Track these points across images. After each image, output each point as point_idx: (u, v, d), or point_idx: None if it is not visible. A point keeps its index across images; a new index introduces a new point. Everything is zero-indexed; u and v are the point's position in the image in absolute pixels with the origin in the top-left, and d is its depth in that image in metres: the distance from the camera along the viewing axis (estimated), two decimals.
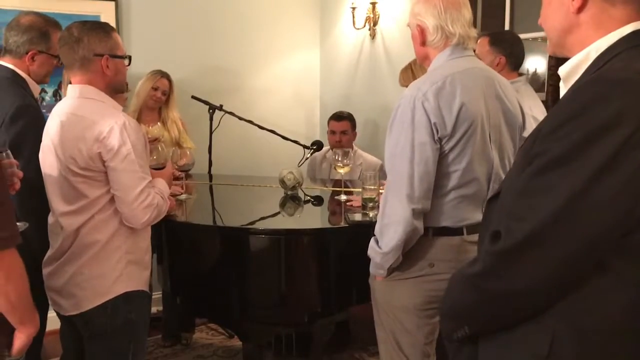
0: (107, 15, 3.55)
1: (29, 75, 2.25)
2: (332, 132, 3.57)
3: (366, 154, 3.52)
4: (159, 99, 3.35)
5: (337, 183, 3.23)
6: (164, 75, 3.36)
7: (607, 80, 0.95)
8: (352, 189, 2.89)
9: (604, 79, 0.96)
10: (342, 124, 3.54)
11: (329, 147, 3.62)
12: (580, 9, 1.04)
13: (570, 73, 1.08)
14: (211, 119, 3.46)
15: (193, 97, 3.45)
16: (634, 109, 0.91)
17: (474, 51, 1.91)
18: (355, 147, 3.52)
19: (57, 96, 3.42)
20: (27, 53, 2.21)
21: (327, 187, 3.22)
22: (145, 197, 1.81)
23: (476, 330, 1.11)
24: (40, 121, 2.18)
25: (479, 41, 2.61)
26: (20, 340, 1.37)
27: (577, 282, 0.98)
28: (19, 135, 2.10)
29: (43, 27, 2.23)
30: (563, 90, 1.11)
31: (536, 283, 0.98)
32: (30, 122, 2.13)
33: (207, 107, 3.45)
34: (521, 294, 1.00)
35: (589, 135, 0.91)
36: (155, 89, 3.33)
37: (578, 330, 0.99)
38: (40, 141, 1.95)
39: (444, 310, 1.19)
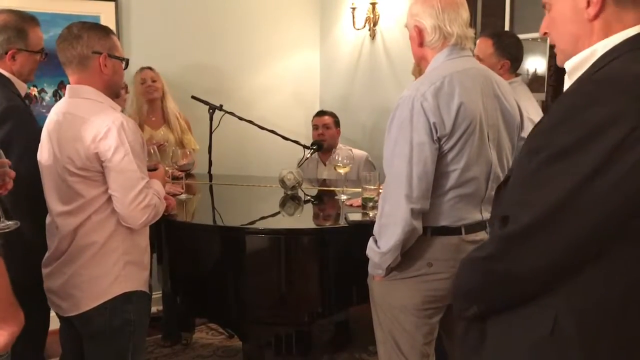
0: (107, 16, 3.55)
1: (12, 74, 2.20)
2: (315, 127, 3.66)
3: (353, 149, 3.53)
4: (150, 88, 3.34)
5: (324, 182, 3.25)
6: (144, 67, 3.37)
7: (605, 81, 1.01)
8: (352, 189, 2.89)
9: (603, 80, 1.01)
10: (323, 118, 3.62)
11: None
12: (596, 16, 1.07)
13: (575, 68, 1.12)
14: (211, 119, 3.46)
15: (193, 97, 3.46)
16: (628, 110, 0.95)
17: (472, 51, 1.91)
18: (340, 145, 3.53)
19: (57, 96, 3.42)
20: (6, 53, 2.16)
21: (323, 187, 3.22)
22: (144, 198, 1.81)
23: (484, 310, 1.17)
24: (29, 121, 2.16)
25: (480, 41, 2.60)
26: (3, 337, 1.36)
27: (579, 266, 1.02)
28: (7, 137, 2.06)
29: (19, 24, 2.18)
30: (567, 83, 1.14)
31: (540, 266, 1.04)
32: (17, 123, 2.09)
33: (207, 107, 3.45)
34: (526, 276, 1.06)
35: (590, 131, 0.96)
36: (143, 82, 3.34)
37: (580, 311, 1.04)
38: (31, 140, 1.95)
39: (455, 290, 1.26)
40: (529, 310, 1.09)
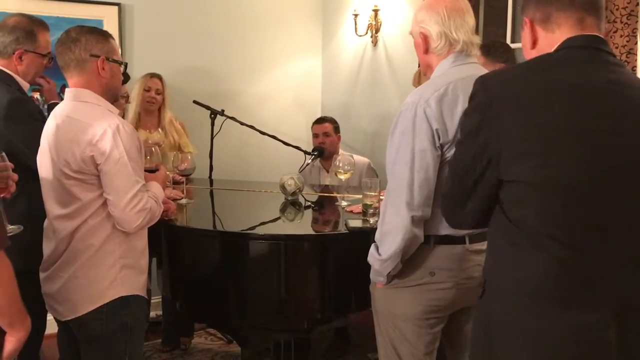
0: (110, 20, 3.56)
1: (17, 74, 2.23)
2: (315, 136, 3.65)
3: (355, 155, 3.53)
4: (153, 99, 3.35)
5: (326, 189, 3.25)
6: (154, 75, 3.37)
7: (484, 78, 1.32)
8: (353, 195, 2.88)
9: (483, 77, 1.32)
10: (323, 126, 3.61)
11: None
12: (533, 45, 1.35)
13: None
14: (212, 124, 3.46)
15: (195, 101, 3.46)
16: (487, 98, 1.26)
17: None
18: (342, 151, 3.52)
19: (59, 99, 3.42)
20: (14, 53, 2.20)
21: (324, 192, 3.21)
22: (138, 201, 1.80)
23: None
24: (34, 111, 2.20)
25: None
26: (10, 344, 1.36)
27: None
28: (23, 126, 2.11)
29: (28, 26, 2.22)
30: None
31: (447, 215, 1.50)
32: (23, 111, 2.15)
33: (209, 112, 3.45)
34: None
35: (467, 112, 1.34)
36: (148, 90, 3.33)
37: (500, 290, 1.29)
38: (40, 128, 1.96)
39: None
40: None
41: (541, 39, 1.34)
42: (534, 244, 1.22)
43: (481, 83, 1.30)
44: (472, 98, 1.31)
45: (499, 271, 1.31)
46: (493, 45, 2.68)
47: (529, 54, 1.37)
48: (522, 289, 1.24)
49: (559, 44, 1.29)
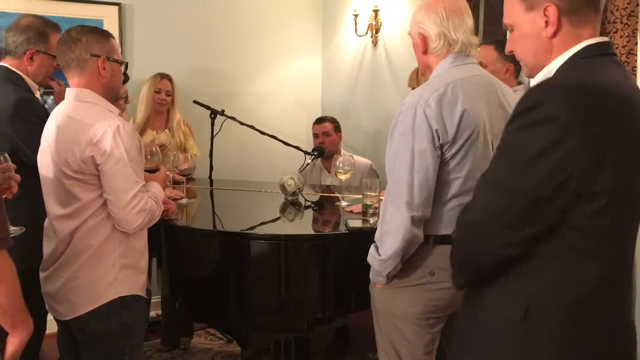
0: (110, 20, 3.56)
1: (27, 76, 2.24)
2: (315, 136, 3.64)
3: (356, 157, 3.53)
4: (163, 101, 3.37)
5: (327, 189, 3.25)
6: (164, 76, 3.38)
7: (552, 85, 1.17)
8: (353, 196, 2.88)
9: (550, 84, 1.17)
10: (323, 126, 3.61)
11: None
12: (554, 34, 1.23)
13: None
14: (212, 124, 3.46)
15: (195, 101, 3.46)
16: (562, 111, 1.10)
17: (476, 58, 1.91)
18: (343, 152, 3.52)
19: None
20: (25, 53, 2.21)
21: (325, 192, 3.21)
22: (138, 202, 1.80)
23: (469, 282, 1.34)
24: (41, 112, 2.20)
25: (483, 49, 2.61)
26: (12, 344, 1.36)
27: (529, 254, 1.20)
28: (27, 126, 2.11)
29: (41, 27, 2.24)
30: None
31: (484, 246, 1.23)
32: (28, 111, 2.15)
33: (209, 111, 3.45)
34: (475, 254, 1.27)
35: (531, 125, 1.14)
36: (158, 92, 3.35)
37: (553, 307, 1.20)
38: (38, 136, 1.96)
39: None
40: (498, 294, 1.25)
41: (565, 31, 1.23)
42: (596, 253, 1.19)
43: (548, 90, 1.15)
44: (536, 108, 1.14)
45: (552, 291, 1.21)
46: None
47: (541, 43, 1.25)
48: (576, 300, 1.20)
49: (587, 44, 1.22)
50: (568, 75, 1.19)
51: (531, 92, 1.17)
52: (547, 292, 1.20)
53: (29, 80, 2.24)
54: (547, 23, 1.23)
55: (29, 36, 2.21)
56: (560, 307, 1.19)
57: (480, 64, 2.64)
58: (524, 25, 1.27)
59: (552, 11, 1.22)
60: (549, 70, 1.25)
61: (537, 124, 1.12)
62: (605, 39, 1.26)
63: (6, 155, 1.73)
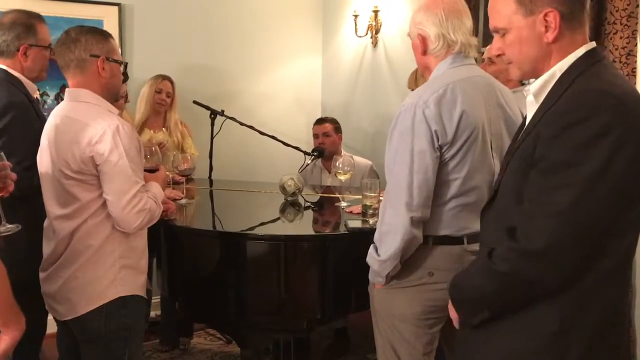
0: (110, 20, 3.56)
1: (23, 74, 2.21)
2: (315, 136, 3.65)
3: (357, 157, 3.53)
4: (163, 102, 3.38)
5: (328, 189, 3.25)
6: (165, 77, 3.40)
7: (597, 93, 1.15)
8: (353, 196, 2.89)
9: (594, 92, 1.15)
10: (324, 126, 3.61)
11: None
12: (555, 40, 1.23)
13: (540, 89, 1.28)
14: (212, 124, 3.46)
15: (195, 102, 3.46)
16: (613, 120, 1.10)
17: (476, 59, 1.91)
18: (343, 152, 3.52)
19: (59, 99, 3.42)
20: (18, 50, 2.17)
21: (325, 193, 3.21)
22: (138, 202, 1.80)
23: (495, 314, 1.28)
24: (30, 118, 2.15)
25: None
26: (4, 342, 1.36)
27: (582, 274, 1.16)
28: (3, 130, 2.07)
29: (26, 20, 2.19)
30: (532, 104, 1.30)
31: (553, 276, 1.17)
32: (17, 117, 2.09)
33: (209, 112, 3.46)
34: (539, 283, 1.19)
35: (585, 143, 1.11)
36: (159, 92, 3.37)
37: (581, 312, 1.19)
38: (31, 138, 1.95)
39: (464, 297, 1.37)
40: (533, 313, 1.22)
41: (564, 36, 1.23)
42: (624, 273, 1.23)
43: (601, 100, 1.13)
44: (589, 119, 1.11)
45: (588, 305, 1.21)
46: None
47: (540, 48, 1.25)
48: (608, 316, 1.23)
49: (587, 49, 1.23)
50: (599, 84, 1.17)
51: (577, 101, 1.14)
52: (580, 306, 1.20)
53: (27, 82, 2.21)
54: (547, 28, 1.22)
55: (17, 32, 2.16)
56: (591, 321, 1.20)
57: (489, 59, 2.65)
58: (522, 30, 1.25)
59: (554, 17, 1.21)
60: (551, 75, 1.25)
61: (595, 137, 1.09)
62: (594, 43, 1.28)
63: (2, 154, 1.72)
